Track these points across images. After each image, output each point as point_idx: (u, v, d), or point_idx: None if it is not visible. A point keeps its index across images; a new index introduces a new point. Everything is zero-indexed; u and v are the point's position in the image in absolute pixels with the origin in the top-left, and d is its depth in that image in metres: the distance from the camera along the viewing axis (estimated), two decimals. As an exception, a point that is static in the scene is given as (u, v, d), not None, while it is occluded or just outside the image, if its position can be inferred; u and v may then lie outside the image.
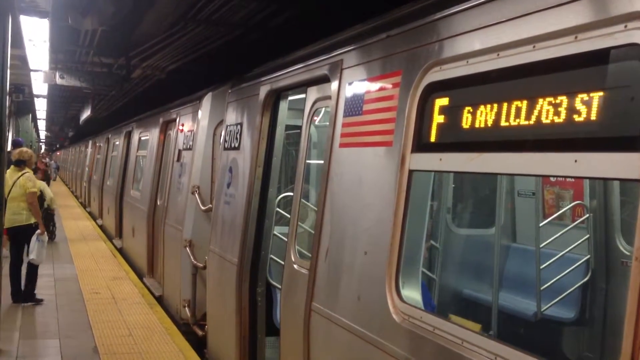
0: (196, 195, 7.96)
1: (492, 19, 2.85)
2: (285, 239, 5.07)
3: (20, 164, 9.36)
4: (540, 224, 5.70)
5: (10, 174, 9.16)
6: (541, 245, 5.54)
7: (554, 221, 5.83)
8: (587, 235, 5.51)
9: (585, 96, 2.31)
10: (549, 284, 5.36)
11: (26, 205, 9.14)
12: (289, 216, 5.41)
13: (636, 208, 3.64)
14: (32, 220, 9.19)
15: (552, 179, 5.92)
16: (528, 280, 5.55)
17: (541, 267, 5.43)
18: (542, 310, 5.34)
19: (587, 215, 5.59)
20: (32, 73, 12.95)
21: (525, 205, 6.23)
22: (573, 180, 5.78)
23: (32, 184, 9.28)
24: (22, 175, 9.23)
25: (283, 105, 5.69)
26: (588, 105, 2.29)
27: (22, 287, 9.13)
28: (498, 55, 2.77)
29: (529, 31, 2.61)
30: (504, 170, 2.97)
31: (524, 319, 5.42)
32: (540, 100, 2.49)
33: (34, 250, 9.05)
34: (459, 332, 2.86)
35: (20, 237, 9.20)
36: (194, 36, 9.29)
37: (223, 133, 6.94)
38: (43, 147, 58.64)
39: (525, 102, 2.58)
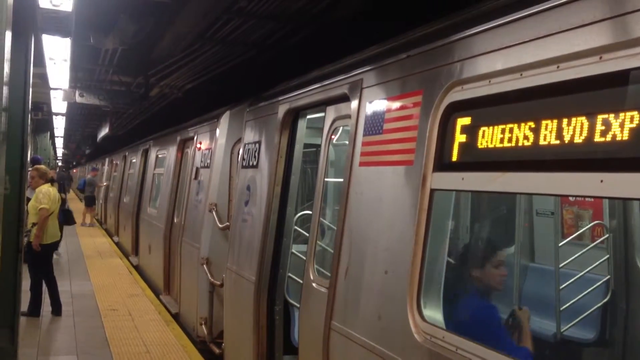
0: (213, 213, 7.98)
1: (516, 39, 2.86)
2: (303, 257, 5.07)
3: (53, 182, 9.75)
4: (560, 244, 5.66)
5: (52, 190, 9.47)
6: (560, 265, 5.50)
7: (573, 241, 5.79)
8: (607, 256, 5.47)
9: (611, 116, 2.31)
10: (568, 304, 5.32)
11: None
12: (306, 234, 5.42)
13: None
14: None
15: (571, 198, 5.88)
16: (547, 300, 5.50)
17: (561, 287, 5.38)
18: (561, 331, 5.29)
19: (607, 235, 5.55)
20: (51, 91, 13.09)
21: (544, 224, 6.19)
22: (592, 200, 5.75)
23: None
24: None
25: (301, 124, 5.72)
26: (614, 125, 2.29)
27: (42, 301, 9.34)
28: (521, 75, 2.78)
29: (553, 51, 2.61)
30: (528, 190, 2.96)
31: (544, 340, 5.36)
32: (565, 120, 2.49)
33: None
34: (482, 352, 2.84)
35: (52, 251, 9.51)
36: (211, 55, 9.39)
37: (241, 151, 6.98)
38: (59, 164, 59.11)
39: (549, 122, 2.58)
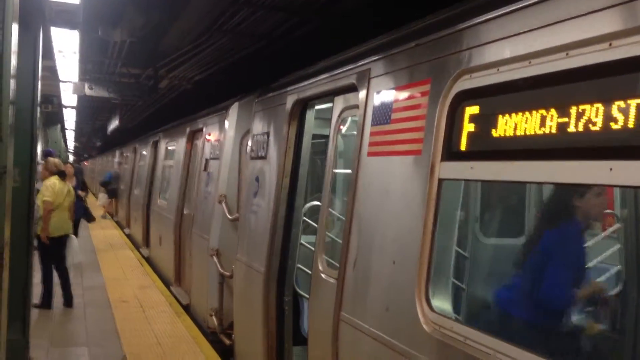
0: (223, 204, 7.99)
1: (524, 27, 2.83)
2: (312, 248, 5.06)
3: (65, 175, 9.74)
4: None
5: (59, 184, 9.48)
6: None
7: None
8: (618, 245, 5.42)
9: (621, 103, 2.27)
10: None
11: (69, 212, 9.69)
12: (315, 225, 5.41)
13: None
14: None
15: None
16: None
17: (571, 277, 5.34)
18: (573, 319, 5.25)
19: (618, 224, 5.50)
20: (61, 84, 13.13)
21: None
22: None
23: None
24: (69, 184, 9.78)
25: (310, 115, 5.70)
26: (624, 113, 2.26)
27: (53, 293, 9.44)
28: (530, 63, 2.75)
29: (562, 39, 2.58)
30: (537, 178, 2.93)
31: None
32: (574, 108, 2.47)
33: (77, 251, 9.65)
34: (491, 342, 2.83)
35: (63, 244, 9.51)
36: (220, 47, 9.36)
37: (250, 142, 6.97)
38: (71, 156, 59.37)
39: (558, 109, 2.55)
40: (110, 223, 22.00)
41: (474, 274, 5.68)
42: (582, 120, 2.43)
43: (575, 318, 5.20)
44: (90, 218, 13.50)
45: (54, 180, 9.44)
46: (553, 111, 2.57)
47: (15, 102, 3.72)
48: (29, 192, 6.45)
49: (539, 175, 2.79)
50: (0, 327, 3.66)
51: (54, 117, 28.39)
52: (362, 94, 4.30)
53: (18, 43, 4.07)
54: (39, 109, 6.77)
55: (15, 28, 3.53)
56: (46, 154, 14.28)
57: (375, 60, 4.26)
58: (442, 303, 3.41)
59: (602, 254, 5.37)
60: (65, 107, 19.51)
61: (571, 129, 2.48)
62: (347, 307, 4.13)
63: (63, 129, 35.68)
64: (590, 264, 5.34)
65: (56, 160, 10.03)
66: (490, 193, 6.14)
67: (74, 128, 33.39)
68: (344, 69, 4.77)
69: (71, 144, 51.86)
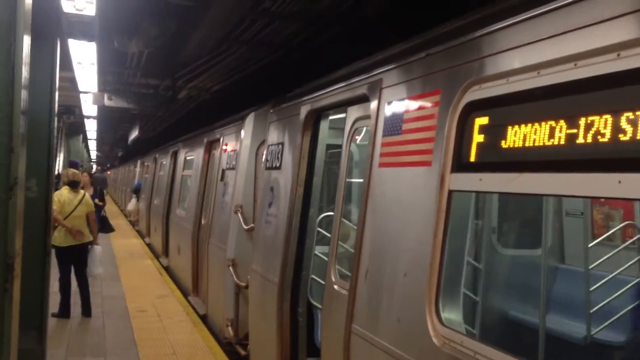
0: (239, 214, 7.99)
1: (533, 37, 2.79)
2: (326, 259, 5.03)
3: (77, 185, 9.71)
4: (589, 245, 5.54)
5: (67, 194, 9.51)
6: (590, 267, 5.38)
7: (603, 242, 5.66)
8: (639, 257, 5.33)
9: (630, 115, 2.22)
10: (598, 306, 5.19)
11: (85, 222, 9.60)
12: (329, 235, 5.38)
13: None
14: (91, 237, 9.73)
15: (601, 198, 5.75)
16: (577, 302, 5.39)
17: (590, 289, 5.26)
18: (591, 333, 5.17)
19: (638, 235, 5.41)
20: (81, 95, 13.27)
21: (574, 225, 6.06)
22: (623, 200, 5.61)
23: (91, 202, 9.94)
24: (84, 194, 9.74)
25: (324, 125, 5.69)
26: (633, 124, 2.21)
27: (72, 302, 9.45)
28: (539, 73, 2.70)
29: (570, 49, 2.54)
30: (546, 191, 2.88)
31: (573, 342, 5.25)
32: (583, 119, 2.42)
33: (96, 262, 9.57)
34: (501, 358, 2.77)
35: (78, 254, 9.54)
36: (237, 57, 9.41)
37: (265, 153, 6.97)
38: (94, 166, 60.01)
39: (566, 121, 2.50)
40: (131, 232, 22.15)
41: (489, 286, 5.61)
42: (590, 131, 2.38)
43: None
44: (107, 229, 13.11)
45: (62, 191, 9.54)
46: (562, 122, 2.53)
47: (27, 113, 3.74)
48: (46, 201, 6.50)
49: (547, 188, 2.74)
50: (11, 337, 3.67)
51: (76, 128, 28.71)
52: (373, 104, 4.28)
53: (34, 55, 4.11)
54: (56, 119, 6.82)
55: (27, 39, 3.55)
56: (70, 164, 14.48)
57: (386, 71, 4.24)
58: (453, 316, 3.35)
59: (623, 266, 5.29)
60: (87, 117, 19.71)
61: (580, 140, 2.43)
62: (358, 319, 4.09)
63: (85, 139, 36.08)
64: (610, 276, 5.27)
65: (70, 171, 10.10)
66: (507, 204, 6.08)
67: (95, 138, 33.74)
68: (356, 79, 4.75)
69: (93, 154, 52.40)
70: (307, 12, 7.20)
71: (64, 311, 9.34)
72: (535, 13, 2.82)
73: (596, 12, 2.45)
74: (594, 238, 5.77)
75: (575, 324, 5.39)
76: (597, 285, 5.26)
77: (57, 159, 23.93)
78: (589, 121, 2.40)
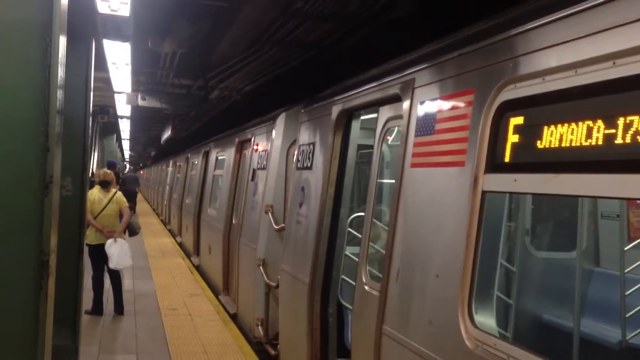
0: (269, 214, 8.01)
1: (569, 35, 2.74)
2: (357, 259, 5.02)
3: (107, 184, 9.86)
4: (625, 248, 5.43)
5: (97, 193, 9.69)
6: (626, 270, 5.28)
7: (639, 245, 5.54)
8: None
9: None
10: (634, 310, 5.09)
11: (118, 220, 9.79)
12: (359, 236, 5.36)
13: None
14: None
15: (638, 200, 5.64)
16: (612, 306, 5.29)
17: (626, 293, 5.16)
18: (627, 338, 5.06)
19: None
20: (115, 95, 13.45)
21: (609, 227, 5.95)
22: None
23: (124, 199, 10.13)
24: (115, 192, 9.89)
25: (355, 125, 5.67)
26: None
27: (104, 299, 9.57)
28: (576, 72, 2.65)
29: (609, 47, 2.49)
30: (583, 192, 2.83)
31: (607, 347, 5.15)
32: (621, 119, 2.37)
33: (121, 256, 9.51)
34: (535, 362, 2.73)
35: (94, 253, 9.61)
36: (269, 57, 9.43)
37: (296, 153, 6.98)
38: (128, 166, 60.78)
39: (604, 121, 2.45)
40: (163, 231, 22.36)
41: (522, 288, 5.54)
42: (628, 132, 2.33)
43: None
44: (132, 233, 11.93)
45: (93, 190, 9.69)
46: (599, 122, 2.48)
47: (62, 112, 3.79)
48: (81, 200, 6.58)
49: (583, 189, 2.69)
50: (47, 333, 3.73)
51: (111, 127, 29.10)
52: (405, 104, 4.25)
53: (69, 55, 4.16)
54: (91, 119, 6.90)
55: (62, 40, 3.60)
56: (108, 165, 14.86)
57: (419, 70, 4.21)
58: (486, 319, 3.31)
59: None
60: (121, 117, 19.96)
61: (618, 140, 2.38)
62: (389, 321, 4.06)
63: (119, 139, 36.54)
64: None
65: (101, 170, 10.32)
66: (540, 206, 5.99)
67: (128, 138, 34.15)
68: (388, 79, 4.72)
69: (127, 154, 53.05)
70: (338, 12, 7.19)
71: (97, 309, 9.47)
72: (572, 11, 2.77)
73: (635, 10, 2.40)
74: (630, 241, 5.66)
75: (610, 328, 5.29)
76: (634, 289, 5.16)
77: (92, 158, 24.25)
78: (627, 121, 2.35)
